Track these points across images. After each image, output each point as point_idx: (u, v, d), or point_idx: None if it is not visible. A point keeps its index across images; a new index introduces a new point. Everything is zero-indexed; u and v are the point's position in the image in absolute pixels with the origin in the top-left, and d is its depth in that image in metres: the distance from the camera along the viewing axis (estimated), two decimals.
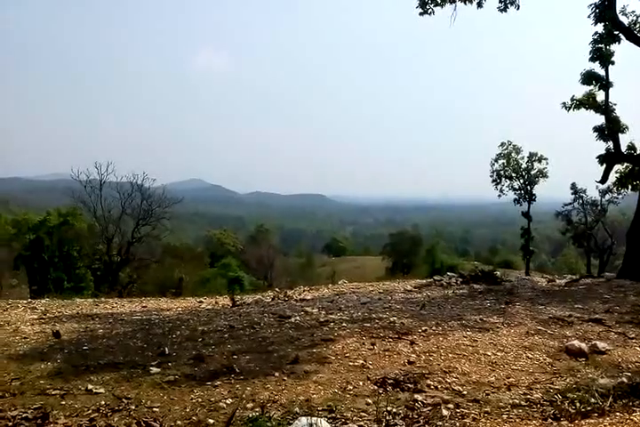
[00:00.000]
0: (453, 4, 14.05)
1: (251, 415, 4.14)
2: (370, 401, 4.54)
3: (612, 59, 14.98)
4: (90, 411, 4.39)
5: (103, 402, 4.57)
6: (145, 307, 10.75)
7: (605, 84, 15.00)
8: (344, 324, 7.38)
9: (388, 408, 4.35)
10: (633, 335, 6.90)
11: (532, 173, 39.86)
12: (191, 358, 5.83)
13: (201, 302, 11.84)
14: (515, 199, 40.02)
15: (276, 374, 5.24)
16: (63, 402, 4.58)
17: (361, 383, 5.02)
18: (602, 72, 15.08)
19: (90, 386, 4.93)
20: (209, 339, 6.72)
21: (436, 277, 13.52)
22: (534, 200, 39.96)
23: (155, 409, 4.43)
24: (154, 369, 5.44)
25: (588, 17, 14.32)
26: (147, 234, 32.17)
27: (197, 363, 5.65)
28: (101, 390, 4.84)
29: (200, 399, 4.63)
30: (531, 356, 5.95)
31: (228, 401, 4.56)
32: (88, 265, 33.26)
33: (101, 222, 31.08)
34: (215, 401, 4.57)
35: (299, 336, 6.71)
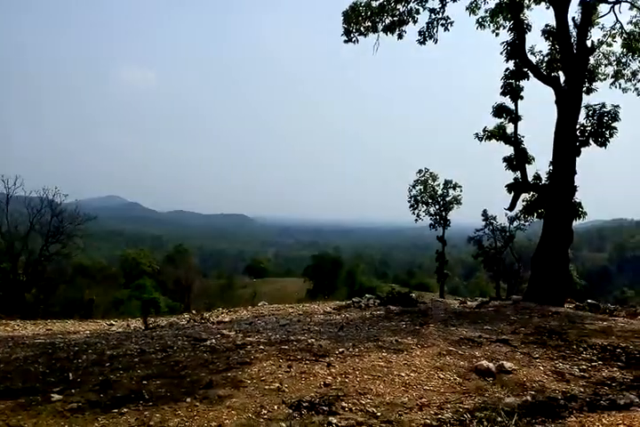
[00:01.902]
0: (376, 34, 14.61)
1: None
2: (284, 425, 4.47)
3: (522, 94, 16.07)
4: None
5: None
6: (50, 330, 10.13)
7: (515, 118, 16.01)
8: (261, 346, 7.26)
9: None
10: (537, 355, 7.25)
11: (447, 199, 41.72)
12: (97, 384, 5.52)
13: (111, 324, 11.31)
14: (430, 224, 41.61)
15: (188, 399, 5.05)
16: None
17: (276, 407, 4.93)
18: (512, 106, 16.10)
19: None
20: (117, 363, 6.39)
21: (354, 299, 13.68)
22: (449, 225, 41.75)
23: None
24: (55, 396, 5.10)
25: (501, 53, 15.32)
26: (56, 252, 30.33)
27: (104, 389, 5.35)
28: None
29: None
30: (442, 376, 6.10)
31: None
32: None
33: (7, 239, 29.06)
34: None
35: (213, 360, 6.53)
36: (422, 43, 14.56)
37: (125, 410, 4.76)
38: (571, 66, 13.87)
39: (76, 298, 33.04)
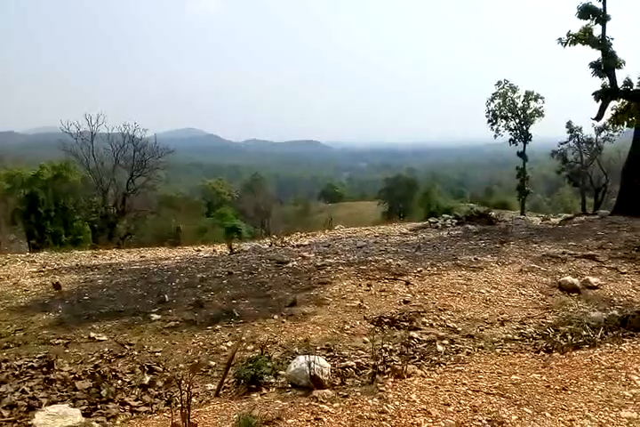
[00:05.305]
0: None
1: (251, 356, 4.25)
2: (367, 339, 4.65)
3: None
4: (94, 358, 4.50)
5: (106, 349, 4.67)
6: (143, 257, 10.82)
7: (602, 18, 14.50)
8: (340, 267, 7.47)
9: (385, 346, 4.47)
10: (625, 270, 7.01)
11: (528, 112, 39.31)
12: (191, 304, 5.92)
13: (199, 250, 11.93)
14: (510, 139, 39.69)
15: (275, 316, 5.34)
16: (67, 350, 4.68)
17: (358, 323, 5.13)
18: (599, 5, 14.54)
19: (92, 334, 5.03)
20: (208, 285, 6.81)
21: (431, 220, 13.62)
22: (530, 140, 39.65)
23: (157, 354, 4.54)
24: (155, 316, 5.54)
25: None
26: (142, 185, 31.81)
27: (197, 309, 5.75)
28: (104, 338, 4.94)
29: (201, 343, 4.74)
30: (524, 292, 6.06)
31: (228, 344, 4.67)
32: (85, 218, 33.23)
33: (95, 175, 30.71)
34: (216, 344, 4.69)
35: (296, 280, 6.81)
36: None
37: (219, 327, 5.12)
38: None
39: (163, 227, 35.05)
